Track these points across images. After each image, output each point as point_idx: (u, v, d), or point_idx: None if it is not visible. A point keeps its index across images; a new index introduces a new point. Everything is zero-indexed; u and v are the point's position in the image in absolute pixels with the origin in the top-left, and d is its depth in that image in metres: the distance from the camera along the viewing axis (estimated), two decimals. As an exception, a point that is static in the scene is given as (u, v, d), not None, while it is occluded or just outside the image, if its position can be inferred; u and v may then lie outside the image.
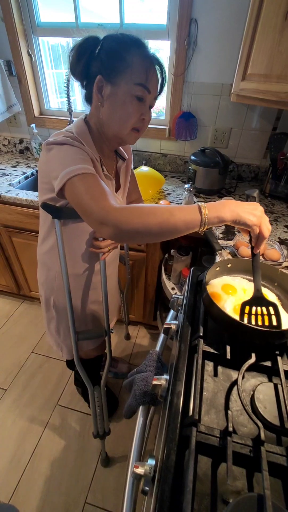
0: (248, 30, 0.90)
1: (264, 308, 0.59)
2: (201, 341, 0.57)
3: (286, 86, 0.84)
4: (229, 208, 0.54)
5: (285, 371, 0.53)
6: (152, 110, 0.68)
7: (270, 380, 0.54)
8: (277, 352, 0.56)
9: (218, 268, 0.70)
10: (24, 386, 1.42)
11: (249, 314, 0.58)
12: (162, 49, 1.35)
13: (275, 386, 0.52)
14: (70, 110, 1.34)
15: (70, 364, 1.17)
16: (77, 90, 1.62)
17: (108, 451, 1.16)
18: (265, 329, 0.56)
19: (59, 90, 1.69)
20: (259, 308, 0.59)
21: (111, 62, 0.60)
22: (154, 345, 1.70)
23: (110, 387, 1.38)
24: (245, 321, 0.57)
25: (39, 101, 1.65)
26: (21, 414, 1.31)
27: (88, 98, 0.68)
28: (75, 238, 0.75)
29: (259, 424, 0.44)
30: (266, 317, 0.58)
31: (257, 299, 0.60)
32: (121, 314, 1.54)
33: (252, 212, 0.55)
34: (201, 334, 0.58)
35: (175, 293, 1.28)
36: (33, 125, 1.56)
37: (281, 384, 0.51)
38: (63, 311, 0.85)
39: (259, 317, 0.58)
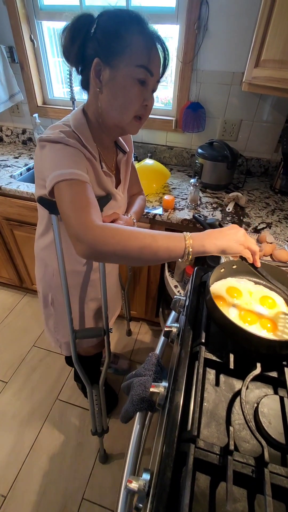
0: (263, 11, 0.83)
1: None
2: (203, 348, 0.54)
3: (303, 73, 0.77)
4: (212, 242, 0.53)
5: (292, 383, 0.50)
6: (155, 96, 0.63)
7: (275, 392, 0.51)
8: (284, 363, 0.53)
9: (222, 270, 0.66)
10: (25, 379, 1.42)
11: None
12: (171, 38, 1.28)
13: (281, 399, 0.49)
14: (73, 99, 1.29)
15: (69, 360, 1.16)
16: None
17: (107, 448, 1.16)
18: (272, 338, 0.53)
19: (64, 80, 1.63)
20: None
21: (109, 42, 0.54)
22: (156, 342, 1.68)
23: (110, 383, 1.37)
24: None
25: (42, 90, 1.60)
26: (21, 407, 1.31)
27: (85, 85, 0.63)
28: None
29: (263, 443, 0.41)
30: None
31: None
32: (123, 310, 1.52)
33: (235, 239, 0.54)
34: (203, 340, 0.55)
35: (178, 291, 1.25)
36: (35, 115, 1.51)
37: (288, 398, 0.47)
38: (61, 308, 0.83)
39: None
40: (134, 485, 0.41)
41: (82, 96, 1.56)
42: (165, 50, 0.59)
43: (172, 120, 1.40)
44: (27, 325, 1.70)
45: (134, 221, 0.81)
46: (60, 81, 1.63)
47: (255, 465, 0.40)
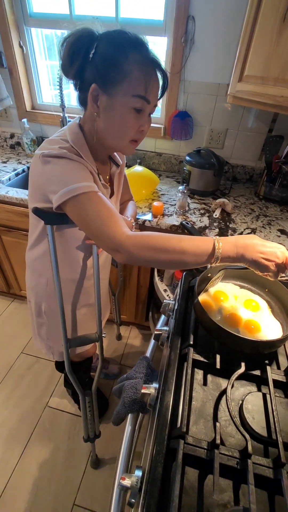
0: (245, 30, 0.88)
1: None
2: (191, 349, 0.56)
3: (283, 90, 0.83)
4: (244, 252, 0.53)
5: (273, 380, 0.53)
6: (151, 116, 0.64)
7: (259, 390, 0.54)
8: (266, 362, 0.56)
9: (209, 275, 0.70)
10: (13, 387, 1.40)
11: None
12: (156, 44, 1.32)
13: (264, 395, 0.52)
14: (63, 106, 1.30)
15: (59, 366, 1.16)
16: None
17: (98, 453, 1.16)
18: (256, 339, 0.56)
19: (53, 82, 1.64)
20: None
21: (107, 70, 0.54)
22: (145, 346, 1.70)
23: (100, 388, 1.38)
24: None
25: (31, 95, 1.60)
26: (10, 415, 1.29)
27: (82, 102, 0.63)
28: (68, 243, 0.73)
29: (247, 436, 0.44)
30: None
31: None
32: (112, 315, 1.53)
33: (269, 258, 0.53)
34: (192, 342, 0.58)
35: (168, 295, 1.28)
36: (24, 119, 1.52)
37: (270, 394, 0.51)
38: (54, 316, 0.83)
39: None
40: (127, 482, 0.43)
41: (71, 102, 1.58)
42: (164, 75, 0.59)
43: (161, 128, 1.44)
44: (15, 331, 1.67)
45: (134, 224, 0.84)
46: (50, 83, 1.63)
47: (239, 457, 0.43)
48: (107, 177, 0.76)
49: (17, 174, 1.46)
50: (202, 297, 0.66)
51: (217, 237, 0.55)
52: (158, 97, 0.61)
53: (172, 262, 0.54)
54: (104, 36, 0.55)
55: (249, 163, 1.45)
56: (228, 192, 1.38)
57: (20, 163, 1.56)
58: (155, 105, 0.61)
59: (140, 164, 1.43)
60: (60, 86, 1.21)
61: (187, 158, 1.29)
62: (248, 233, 1.11)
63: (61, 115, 1.35)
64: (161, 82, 0.59)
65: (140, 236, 0.54)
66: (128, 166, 1.45)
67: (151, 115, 0.64)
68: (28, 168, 1.54)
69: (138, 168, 1.32)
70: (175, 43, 1.22)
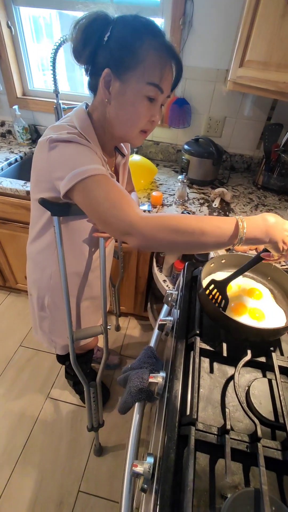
0: (248, 12, 0.85)
1: (219, 296, 0.63)
2: (198, 339, 0.57)
3: (286, 75, 0.81)
4: (269, 230, 0.51)
5: (279, 367, 0.54)
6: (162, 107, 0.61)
7: (264, 376, 0.55)
8: (271, 349, 0.57)
9: (212, 265, 0.70)
10: (13, 380, 1.40)
11: (210, 291, 0.63)
12: None
13: (269, 381, 0.53)
14: (56, 92, 1.25)
15: (60, 359, 1.16)
16: (61, 66, 1.51)
17: (101, 441, 1.18)
18: (261, 327, 0.57)
19: (43, 67, 1.57)
20: (215, 291, 0.63)
21: (122, 55, 0.52)
22: (144, 336, 1.71)
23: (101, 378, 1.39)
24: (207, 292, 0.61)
25: (21, 80, 1.53)
26: (11, 408, 1.29)
27: (93, 88, 0.60)
28: (73, 236, 0.71)
29: (256, 420, 0.45)
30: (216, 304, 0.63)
31: (221, 286, 0.63)
32: (112, 306, 1.53)
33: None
34: (198, 332, 0.58)
35: (167, 286, 1.28)
36: (15, 106, 1.46)
37: (276, 380, 0.52)
38: (58, 310, 0.82)
39: (213, 300, 0.63)
40: (139, 469, 0.44)
41: (65, 88, 1.53)
42: (179, 66, 0.57)
43: (158, 116, 1.41)
44: (12, 325, 1.66)
45: None
46: (39, 68, 1.57)
47: (249, 441, 0.44)
48: (113, 168, 0.74)
49: (9, 164, 1.41)
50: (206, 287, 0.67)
51: (241, 216, 0.53)
52: (172, 88, 0.59)
53: (190, 244, 0.51)
54: (120, 19, 0.53)
55: (247, 152, 1.44)
56: (226, 181, 1.38)
57: (12, 152, 1.50)
58: (168, 96, 0.59)
59: (137, 153, 1.41)
60: (54, 71, 1.16)
61: (186, 146, 1.27)
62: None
63: (55, 101, 1.30)
64: (175, 73, 0.57)
65: (154, 217, 0.51)
66: (125, 156, 1.42)
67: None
68: (21, 157, 1.49)
69: (136, 158, 1.29)
70: (173, 25, 1.17)
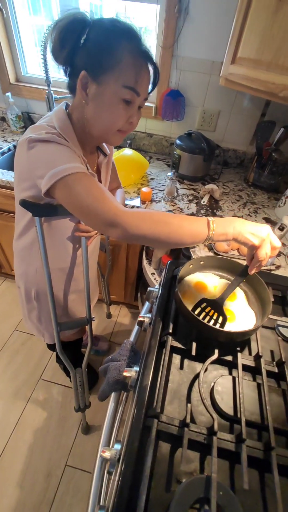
0: (241, 6, 0.83)
1: (216, 314, 0.63)
2: (170, 338, 0.61)
3: (275, 76, 0.80)
4: (234, 225, 0.56)
5: (242, 365, 0.59)
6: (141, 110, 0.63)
7: (230, 373, 0.60)
8: (238, 349, 0.61)
9: (191, 266, 0.73)
10: (8, 362, 1.47)
11: (202, 308, 0.64)
12: (151, 31, 1.23)
13: (233, 379, 0.58)
14: (48, 82, 1.22)
15: (51, 346, 1.21)
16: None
17: (88, 420, 1.27)
18: (229, 330, 0.61)
19: (39, 43, 1.49)
20: (212, 311, 0.64)
21: (98, 57, 0.53)
22: (134, 324, 1.77)
23: (91, 363, 1.46)
24: (196, 312, 0.62)
25: (14, 66, 1.49)
26: (5, 388, 1.37)
27: (71, 89, 0.61)
28: (56, 234, 0.73)
29: (214, 415, 0.50)
30: (212, 320, 0.63)
31: (217, 304, 0.64)
32: (102, 295, 1.57)
33: (254, 233, 0.55)
34: (170, 331, 0.62)
35: (155, 278, 1.32)
36: (8, 93, 1.42)
37: (238, 377, 0.56)
38: (44, 302, 0.86)
39: (207, 317, 0.63)
40: (107, 454, 0.49)
41: (58, 74, 1.48)
42: (155, 70, 0.58)
43: (152, 107, 1.38)
44: (7, 309, 1.71)
45: None
46: (38, 45, 1.49)
47: (206, 433, 0.49)
48: (95, 167, 0.75)
49: (2, 153, 1.40)
50: (183, 288, 0.70)
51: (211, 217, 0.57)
52: (148, 92, 0.60)
53: (170, 236, 0.54)
54: (97, 22, 0.53)
55: (240, 147, 1.43)
56: (218, 177, 1.37)
57: (6, 140, 1.49)
58: (145, 99, 0.60)
59: (130, 145, 1.39)
60: (45, 60, 1.13)
61: (178, 141, 1.26)
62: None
63: (47, 92, 1.27)
64: (152, 77, 0.58)
65: (135, 210, 0.54)
66: (118, 148, 1.41)
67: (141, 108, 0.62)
68: (15, 146, 1.48)
69: (127, 152, 1.28)
70: (168, 12, 1.13)
